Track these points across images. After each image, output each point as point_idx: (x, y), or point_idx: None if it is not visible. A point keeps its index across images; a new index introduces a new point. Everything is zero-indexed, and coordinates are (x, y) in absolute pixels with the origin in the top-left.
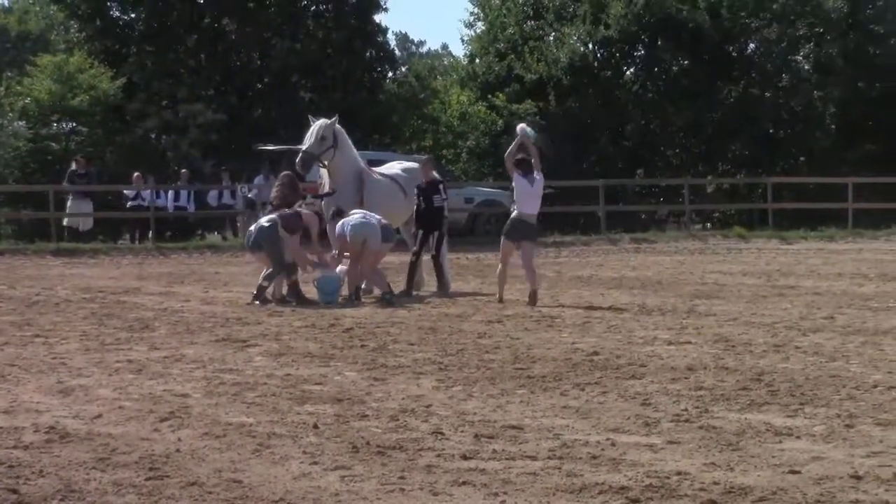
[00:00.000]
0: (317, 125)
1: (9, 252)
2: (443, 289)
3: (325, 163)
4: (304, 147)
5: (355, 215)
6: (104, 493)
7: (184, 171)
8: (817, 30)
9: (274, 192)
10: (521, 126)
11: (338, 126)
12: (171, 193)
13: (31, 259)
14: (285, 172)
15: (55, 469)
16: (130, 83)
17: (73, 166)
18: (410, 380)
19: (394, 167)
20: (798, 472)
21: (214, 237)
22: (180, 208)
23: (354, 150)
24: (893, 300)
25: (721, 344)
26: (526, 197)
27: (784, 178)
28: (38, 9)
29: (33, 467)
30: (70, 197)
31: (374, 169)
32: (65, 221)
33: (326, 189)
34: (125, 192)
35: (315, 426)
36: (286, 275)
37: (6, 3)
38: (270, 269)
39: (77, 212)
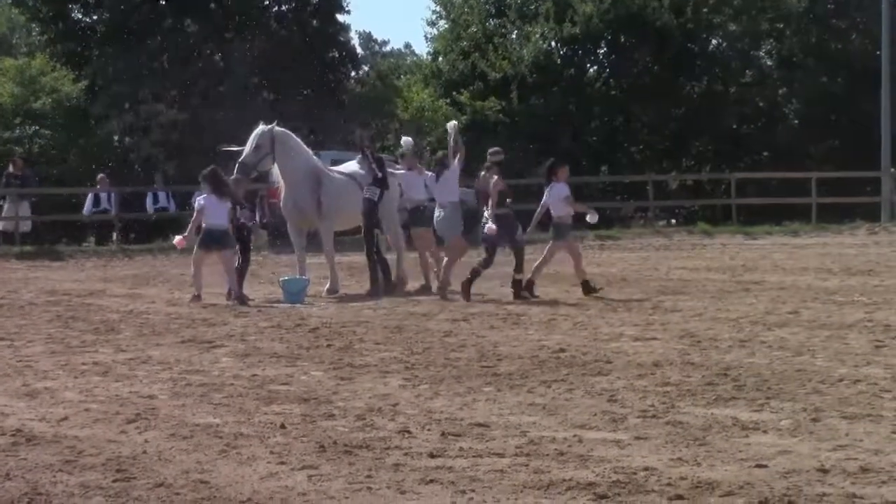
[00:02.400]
0: (253, 133)
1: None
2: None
3: (263, 170)
4: (240, 157)
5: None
6: (71, 495)
7: (158, 173)
8: (778, 25)
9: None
10: (450, 123)
11: (279, 130)
12: (150, 195)
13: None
14: (209, 168)
15: (21, 472)
16: (93, 85)
17: (10, 168)
18: (377, 379)
19: (351, 165)
20: (765, 466)
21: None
22: (161, 209)
23: (305, 151)
24: (858, 294)
25: (687, 339)
26: (436, 190)
27: (748, 174)
28: None
29: (0, 470)
30: (6, 200)
31: (332, 168)
32: None
33: (282, 189)
34: (86, 201)
35: (282, 426)
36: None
37: None
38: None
39: (13, 214)
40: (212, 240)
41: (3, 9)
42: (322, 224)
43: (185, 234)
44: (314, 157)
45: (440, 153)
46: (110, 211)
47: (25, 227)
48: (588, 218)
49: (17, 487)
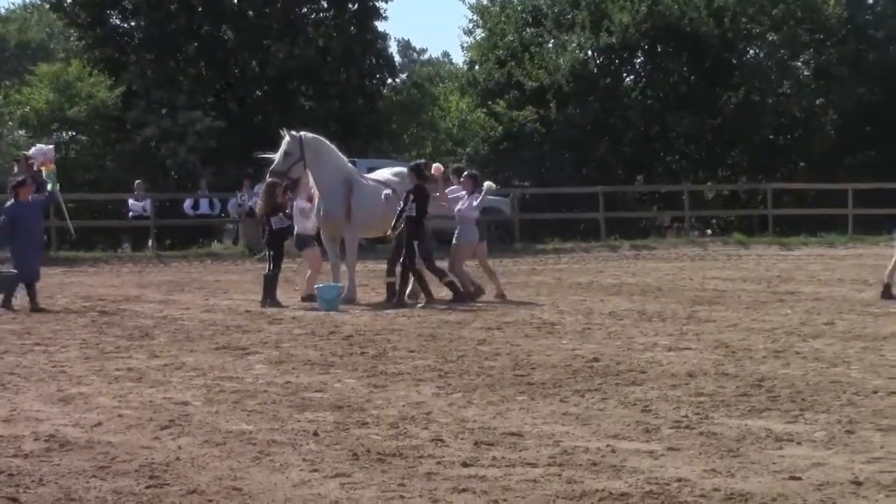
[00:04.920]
0: (283, 142)
1: (7, 261)
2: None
3: (294, 177)
4: (272, 167)
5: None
6: (104, 501)
7: (203, 180)
8: (817, 36)
9: (258, 201)
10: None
11: (310, 136)
12: (188, 201)
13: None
14: (268, 181)
15: (55, 477)
16: (130, 91)
17: (16, 168)
18: (410, 387)
19: (384, 173)
20: (799, 479)
21: (215, 245)
22: (202, 216)
23: (338, 157)
24: (893, 306)
25: (721, 350)
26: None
27: (784, 185)
28: (37, 17)
29: (33, 476)
30: None
31: (366, 175)
32: None
33: (315, 195)
34: (130, 202)
35: (315, 434)
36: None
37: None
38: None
39: None
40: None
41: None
42: (347, 231)
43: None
44: (347, 164)
45: (455, 166)
46: (147, 216)
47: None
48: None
49: (51, 493)
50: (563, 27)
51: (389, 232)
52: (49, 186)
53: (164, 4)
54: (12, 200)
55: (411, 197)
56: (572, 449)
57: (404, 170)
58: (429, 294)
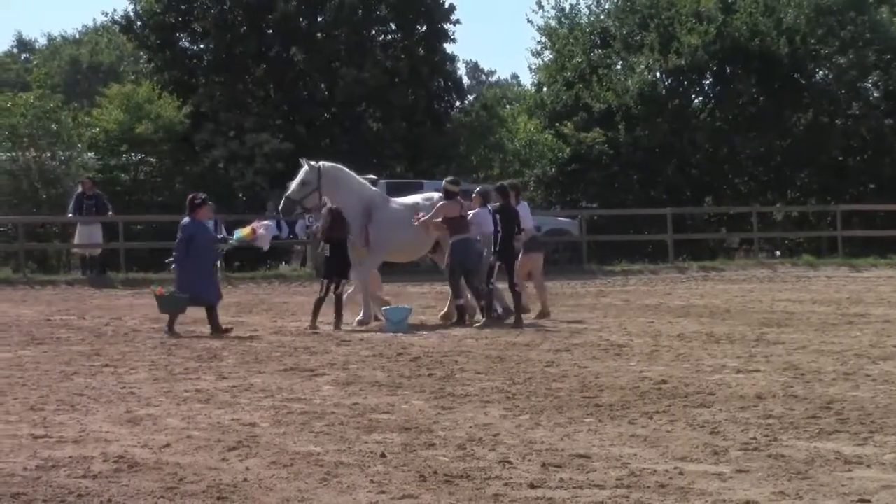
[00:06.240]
0: (301, 170)
1: (77, 283)
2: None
3: (309, 206)
4: (287, 194)
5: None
6: None
7: (270, 202)
8: (886, 56)
9: (320, 226)
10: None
11: (328, 165)
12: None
13: (100, 289)
14: (328, 207)
15: (123, 498)
16: (199, 113)
17: (80, 188)
18: (478, 408)
19: (415, 197)
20: (868, 501)
21: (283, 267)
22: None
23: (358, 183)
24: None
25: (790, 372)
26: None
27: (853, 206)
28: (108, 40)
29: (102, 496)
30: (79, 224)
31: (395, 199)
32: (74, 250)
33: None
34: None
35: (382, 455)
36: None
37: (76, 35)
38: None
39: (87, 237)
40: None
41: (111, 36)
42: (369, 257)
43: None
44: (368, 189)
45: (481, 188)
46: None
47: (95, 252)
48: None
49: None
50: (632, 49)
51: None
52: (234, 237)
53: (234, 27)
54: (188, 219)
55: (498, 217)
56: (640, 471)
57: (435, 194)
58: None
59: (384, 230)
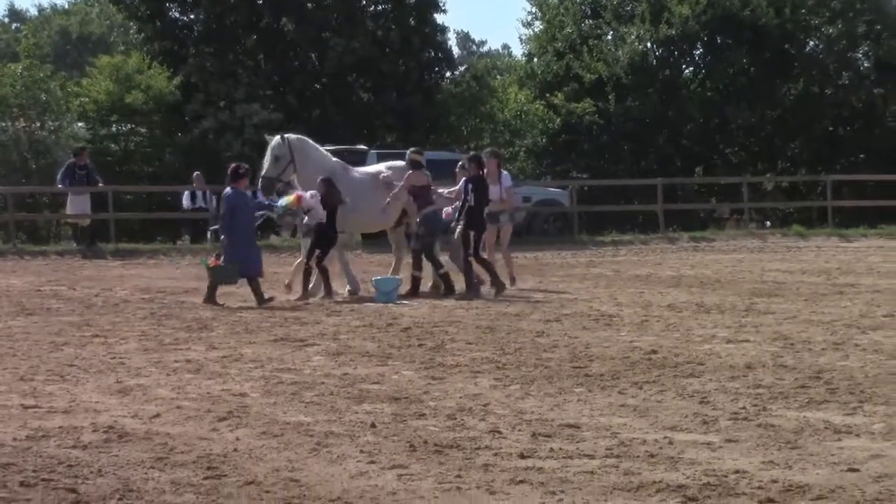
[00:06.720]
0: (270, 146)
1: (68, 253)
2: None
3: (286, 181)
4: (262, 172)
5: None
6: (162, 492)
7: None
8: (876, 26)
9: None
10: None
11: (294, 137)
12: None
13: (91, 260)
14: (322, 178)
15: (113, 468)
16: (189, 84)
17: (74, 158)
18: (468, 379)
19: (378, 166)
20: (857, 471)
21: (273, 237)
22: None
23: (322, 156)
24: None
25: (780, 342)
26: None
27: (844, 176)
28: (98, 10)
29: (92, 467)
30: (70, 193)
31: (357, 168)
32: (67, 221)
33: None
34: (184, 198)
35: (372, 425)
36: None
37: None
38: None
39: (80, 207)
40: None
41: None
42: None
43: None
44: (331, 160)
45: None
46: (206, 209)
47: (85, 222)
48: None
49: (109, 484)
50: (623, 19)
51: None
52: (279, 205)
53: None
54: (230, 189)
55: (471, 186)
56: (630, 441)
57: (400, 163)
58: (498, 282)
59: (348, 196)
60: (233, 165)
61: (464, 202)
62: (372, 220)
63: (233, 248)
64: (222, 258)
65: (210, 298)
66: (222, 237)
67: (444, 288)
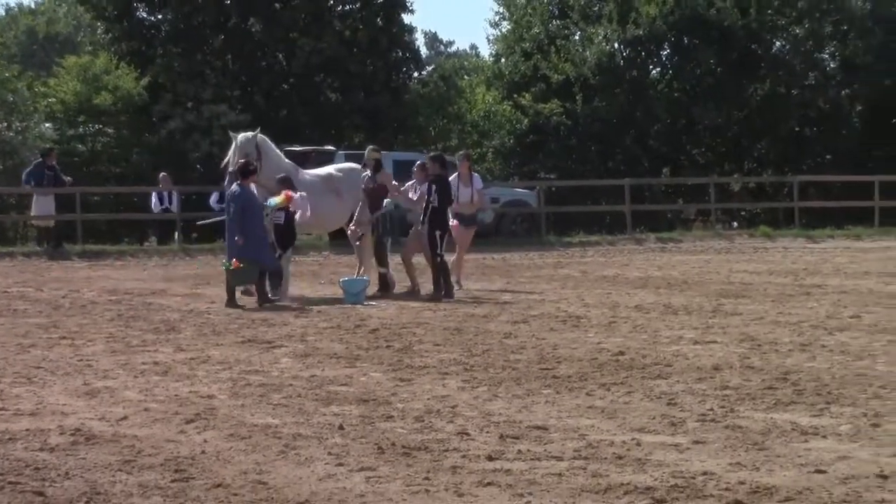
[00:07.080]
0: (237, 142)
1: (34, 254)
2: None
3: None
4: (230, 168)
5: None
6: (129, 495)
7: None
8: (842, 27)
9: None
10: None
11: (262, 137)
12: (214, 194)
13: (57, 261)
14: (279, 177)
15: (81, 471)
16: (156, 84)
17: (43, 159)
18: (436, 380)
19: (328, 168)
20: (824, 472)
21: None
22: (166, 210)
23: (279, 155)
24: None
25: (747, 343)
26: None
27: (810, 177)
28: (65, 10)
29: (59, 469)
30: (36, 195)
31: (307, 171)
32: (32, 222)
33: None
34: (152, 199)
35: (340, 427)
36: None
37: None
38: None
39: (44, 208)
40: None
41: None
42: None
43: None
44: (285, 160)
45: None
46: (172, 210)
47: (49, 223)
48: None
49: (76, 487)
50: (590, 19)
51: (353, 227)
52: (269, 205)
53: None
54: (237, 187)
55: (434, 187)
56: (597, 442)
57: (351, 165)
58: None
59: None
60: (241, 162)
61: (427, 203)
62: (323, 220)
63: (247, 245)
64: (233, 259)
65: (231, 302)
66: (236, 237)
67: (378, 287)
